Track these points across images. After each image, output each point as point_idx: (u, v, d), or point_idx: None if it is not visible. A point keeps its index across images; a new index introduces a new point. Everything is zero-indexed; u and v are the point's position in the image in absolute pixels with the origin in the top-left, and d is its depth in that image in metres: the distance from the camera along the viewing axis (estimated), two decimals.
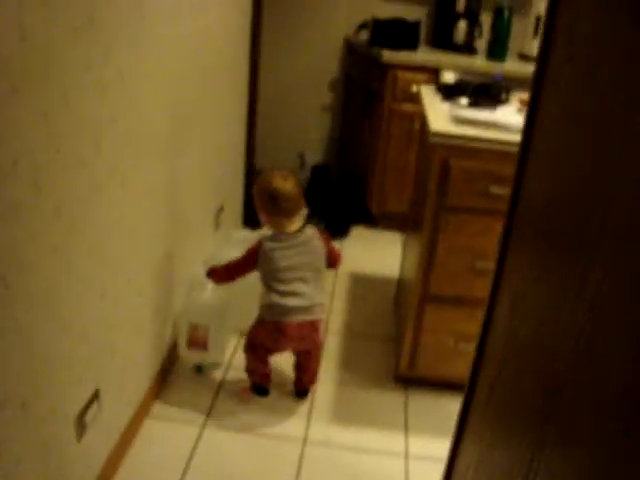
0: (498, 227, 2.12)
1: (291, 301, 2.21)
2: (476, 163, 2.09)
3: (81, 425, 1.75)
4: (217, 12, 2.80)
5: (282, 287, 2.22)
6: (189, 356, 2.51)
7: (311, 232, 2.29)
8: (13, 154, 1.28)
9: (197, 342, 2.44)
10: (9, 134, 1.26)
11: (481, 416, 1.10)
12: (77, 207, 1.59)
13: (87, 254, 1.68)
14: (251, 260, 2.26)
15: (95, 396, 1.82)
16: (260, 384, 2.44)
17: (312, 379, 2.47)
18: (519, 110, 2.32)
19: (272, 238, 2.25)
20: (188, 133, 2.49)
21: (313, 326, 2.30)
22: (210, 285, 2.45)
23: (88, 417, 1.78)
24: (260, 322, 2.31)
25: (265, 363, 2.40)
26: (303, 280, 2.24)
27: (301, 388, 2.46)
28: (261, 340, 2.32)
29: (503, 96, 2.42)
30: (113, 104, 1.75)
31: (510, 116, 2.24)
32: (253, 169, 4.11)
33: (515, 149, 2.02)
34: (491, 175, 2.09)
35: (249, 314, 2.41)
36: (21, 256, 1.35)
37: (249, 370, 2.43)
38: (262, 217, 2.29)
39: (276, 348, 2.35)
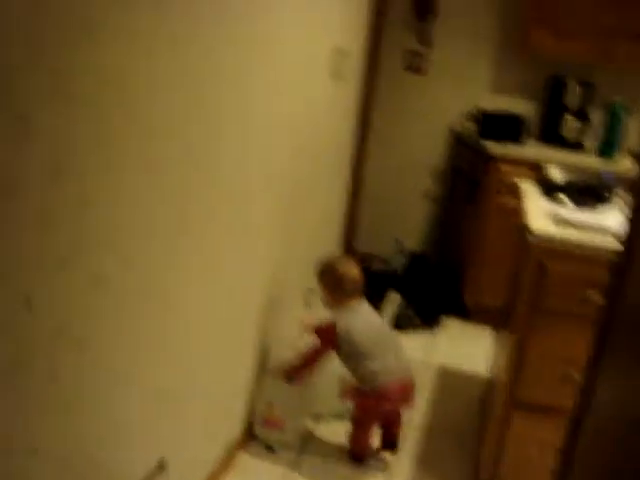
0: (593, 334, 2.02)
1: (386, 364, 2.29)
2: (575, 267, 2.00)
3: None
4: (325, 94, 2.88)
5: (373, 358, 2.28)
6: (263, 434, 2.47)
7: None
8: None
9: (273, 421, 2.42)
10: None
11: None
12: (160, 282, 1.63)
13: (172, 328, 1.71)
14: (330, 345, 2.28)
15: (161, 464, 1.81)
16: (360, 454, 2.43)
17: (400, 430, 2.49)
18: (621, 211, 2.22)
19: (344, 316, 2.31)
20: (288, 212, 2.53)
21: (412, 381, 2.37)
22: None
23: None
24: (363, 394, 2.34)
25: (371, 432, 2.43)
26: (385, 344, 2.35)
27: (391, 438, 2.47)
28: (370, 412, 2.37)
29: (606, 195, 2.32)
30: (211, 177, 1.81)
31: (613, 218, 2.14)
32: (352, 251, 4.13)
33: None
34: (590, 280, 1.98)
35: (325, 397, 2.40)
36: (103, 323, 1.39)
37: (354, 441, 2.42)
38: (329, 300, 2.36)
39: (383, 414, 2.41)
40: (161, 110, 1.48)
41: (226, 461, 2.33)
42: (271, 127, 2.23)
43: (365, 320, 2.36)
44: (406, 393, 2.37)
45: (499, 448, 2.26)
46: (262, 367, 2.57)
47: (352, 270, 2.39)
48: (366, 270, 4.17)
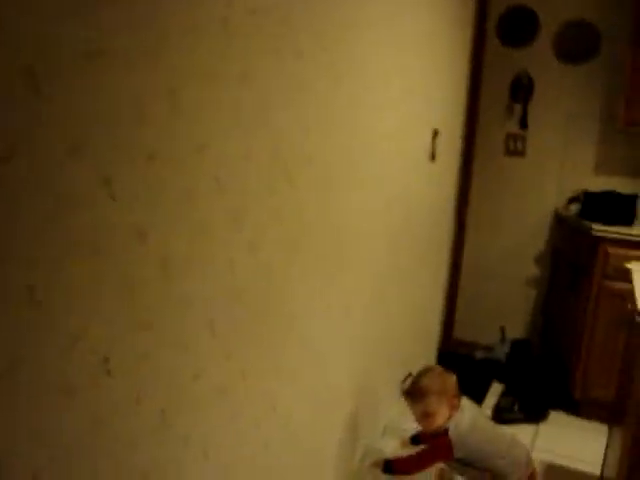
0: None
1: (514, 459, 2.22)
2: None
3: None
4: (423, 178, 2.86)
5: (500, 456, 2.19)
6: None
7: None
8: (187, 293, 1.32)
9: None
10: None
11: None
12: (250, 351, 1.60)
13: (258, 401, 1.66)
14: (445, 455, 2.16)
15: None
16: None
17: None
18: None
19: (455, 426, 2.15)
20: (382, 298, 2.48)
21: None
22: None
23: None
24: None
25: None
26: (504, 437, 2.26)
27: None
28: None
29: None
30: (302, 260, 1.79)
31: None
32: (451, 338, 4.00)
33: None
34: None
35: None
36: (184, 393, 1.36)
37: None
38: (446, 416, 2.16)
39: None
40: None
41: None
42: (368, 218, 2.23)
43: (474, 417, 2.22)
44: None
45: None
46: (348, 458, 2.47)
47: (438, 377, 2.22)
48: (467, 359, 4.04)
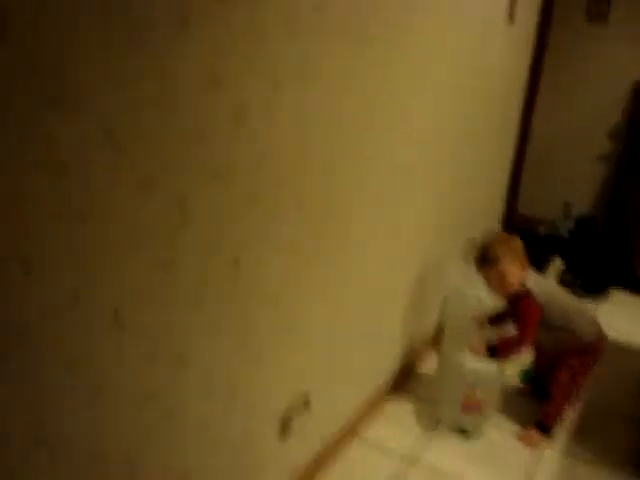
0: None
1: (591, 318, 2.27)
2: None
3: (286, 426, 1.74)
4: (499, 40, 2.71)
5: (580, 313, 2.23)
6: (457, 419, 2.31)
7: None
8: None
9: (472, 405, 2.27)
10: None
11: None
12: (319, 201, 1.60)
13: (324, 258, 1.68)
14: (538, 312, 2.15)
15: (305, 401, 1.81)
16: (555, 424, 2.33)
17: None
18: None
19: (534, 284, 2.16)
20: (446, 171, 2.42)
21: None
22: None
23: (294, 420, 1.77)
24: (584, 351, 2.24)
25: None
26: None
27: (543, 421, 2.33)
28: (589, 369, 2.28)
29: None
30: (384, 135, 1.74)
31: None
32: (515, 213, 3.93)
33: None
34: None
35: None
36: (257, 244, 1.37)
37: (560, 413, 2.31)
38: (520, 276, 2.16)
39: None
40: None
41: (368, 410, 2.30)
42: (435, 87, 2.13)
43: (545, 280, 2.24)
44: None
45: None
46: (415, 323, 2.51)
47: (507, 240, 2.22)
48: (530, 234, 3.98)
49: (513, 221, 3.94)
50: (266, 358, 1.56)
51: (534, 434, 2.30)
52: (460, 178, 2.63)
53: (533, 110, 3.93)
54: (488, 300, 2.56)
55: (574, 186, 4.06)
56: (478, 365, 2.22)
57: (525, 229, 4.02)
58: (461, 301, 2.68)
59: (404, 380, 2.57)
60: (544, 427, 2.30)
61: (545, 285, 2.20)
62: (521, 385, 2.63)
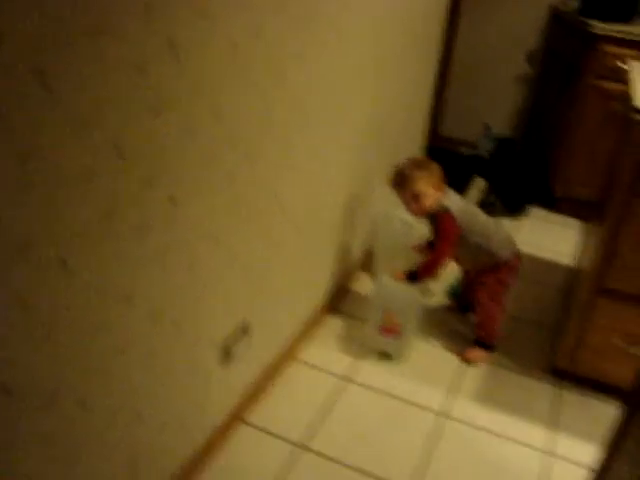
0: None
1: (507, 235, 2.39)
2: None
3: (228, 353, 1.81)
4: None
5: (496, 230, 2.35)
6: (377, 341, 2.41)
7: None
8: (197, 78, 1.31)
9: (391, 329, 2.35)
10: None
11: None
12: (255, 140, 1.62)
13: (258, 187, 1.71)
14: (456, 230, 2.23)
15: (245, 328, 1.87)
16: (494, 337, 2.46)
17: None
18: None
19: (452, 203, 2.24)
20: (372, 86, 2.45)
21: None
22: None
23: (235, 347, 1.84)
24: (500, 269, 2.34)
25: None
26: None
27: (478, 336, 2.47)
28: (505, 285, 2.38)
29: None
30: (302, 40, 1.75)
31: None
32: (437, 134, 4.02)
33: None
34: None
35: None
36: (192, 179, 1.39)
37: (495, 328, 2.43)
38: (435, 196, 2.23)
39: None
40: None
41: (305, 333, 2.39)
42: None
43: (462, 199, 2.33)
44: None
45: (581, 335, 2.23)
46: (346, 247, 2.59)
47: (422, 163, 2.29)
48: (452, 154, 4.10)
49: (435, 142, 4.02)
50: (208, 291, 1.60)
51: (475, 351, 2.44)
52: (384, 102, 2.67)
53: (455, 33, 3.98)
54: (414, 222, 2.67)
55: (495, 108, 4.18)
56: (396, 289, 2.31)
57: (447, 150, 4.13)
58: (388, 224, 2.78)
59: (339, 302, 2.67)
60: (482, 344, 2.45)
61: (463, 204, 2.29)
62: (449, 301, 2.77)
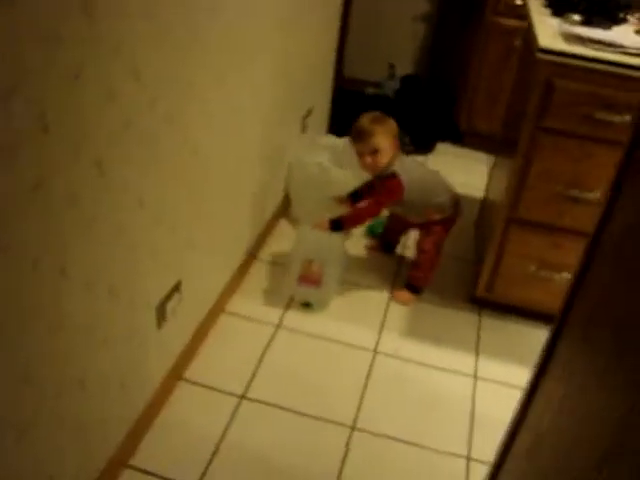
0: (599, 155, 2.04)
1: (447, 187, 2.48)
2: (583, 85, 1.97)
3: (162, 314, 1.81)
4: None
5: (440, 190, 2.43)
6: (297, 292, 2.41)
7: None
8: (115, 39, 1.28)
9: (310, 278, 2.36)
10: None
11: (573, 351, 1.07)
12: (174, 98, 1.59)
13: (179, 145, 1.69)
14: (398, 197, 2.27)
15: (176, 287, 1.87)
16: (425, 284, 2.55)
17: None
18: (637, 31, 2.16)
19: (399, 166, 2.28)
20: (282, 30, 2.43)
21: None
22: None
23: (169, 307, 1.84)
24: (445, 226, 2.45)
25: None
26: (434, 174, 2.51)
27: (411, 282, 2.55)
28: (443, 239, 2.49)
29: (621, 15, 2.24)
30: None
31: (627, 36, 2.08)
32: (342, 77, 4.02)
33: (631, 72, 1.91)
34: (599, 99, 1.96)
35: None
36: (116, 143, 1.36)
37: (431, 274, 2.52)
38: (391, 155, 2.27)
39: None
40: None
41: (232, 286, 2.41)
42: None
43: (411, 164, 2.39)
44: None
45: (496, 263, 2.35)
46: (265, 195, 2.60)
47: (382, 118, 2.32)
48: (358, 95, 4.13)
49: (340, 83, 4.03)
50: (138, 254, 1.59)
51: (406, 294, 2.53)
52: (293, 49, 2.65)
53: None
54: (332, 167, 2.70)
55: (397, 47, 4.21)
56: (319, 238, 2.32)
57: (352, 91, 4.16)
58: (303, 169, 2.81)
59: (261, 251, 2.70)
60: (415, 288, 2.54)
61: (409, 166, 2.33)
62: (369, 240, 2.83)
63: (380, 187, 2.31)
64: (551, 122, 2.04)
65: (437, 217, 2.42)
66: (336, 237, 2.35)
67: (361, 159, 2.30)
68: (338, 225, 2.31)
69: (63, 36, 1.10)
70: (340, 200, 2.55)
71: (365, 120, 2.27)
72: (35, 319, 1.21)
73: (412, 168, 2.37)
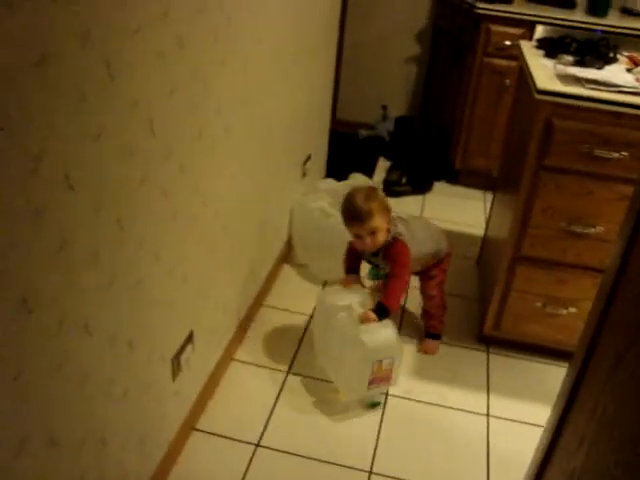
0: (598, 191, 2.08)
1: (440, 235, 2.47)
2: (582, 124, 2.02)
3: (177, 365, 1.81)
4: None
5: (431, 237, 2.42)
6: (368, 394, 2.19)
7: None
8: (132, 96, 1.31)
9: (382, 378, 2.14)
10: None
11: (600, 388, 1.08)
12: (186, 150, 1.62)
13: (190, 197, 1.71)
14: (409, 254, 2.23)
15: (190, 338, 1.88)
16: (443, 327, 2.56)
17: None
18: (628, 69, 2.22)
19: (399, 230, 2.25)
20: (283, 81, 2.48)
21: None
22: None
23: (183, 358, 1.84)
24: (443, 260, 2.44)
25: None
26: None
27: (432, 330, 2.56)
28: (445, 276, 2.49)
29: (611, 54, 2.31)
30: (222, 48, 1.75)
31: (619, 75, 2.14)
32: (335, 119, 4.08)
33: (627, 110, 1.96)
34: (597, 137, 2.01)
35: None
36: (134, 198, 1.38)
37: (444, 316, 2.54)
38: (387, 227, 2.20)
39: None
40: None
41: (239, 331, 2.42)
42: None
43: (406, 221, 2.34)
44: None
45: (502, 301, 2.37)
46: (268, 241, 2.62)
47: (375, 196, 2.22)
48: (352, 138, 4.19)
49: (334, 126, 4.09)
50: (155, 307, 1.60)
51: (432, 342, 2.53)
52: (294, 97, 2.70)
53: (344, 19, 4.04)
54: (333, 211, 2.72)
55: (390, 89, 4.30)
56: (378, 338, 2.11)
57: (346, 133, 4.22)
58: (305, 213, 2.83)
59: (266, 297, 2.71)
60: (437, 336, 2.54)
61: (405, 227, 2.28)
62: (371, 283, 2.83)
63: (391, 256, 2.24)
64: (552, 160, 2.08)
65: (432, 262, 2.42)
66: (390, 329, 2.15)
67: (359, 241, 2.21)
68: (384, 312, 2.16)
69: (87, 94, 1.13)
70: (379, 288, 2.51)
71: (359, 200, 2.15)
72: (60, 375, 1.21)
73: (409, 223, 2.33)
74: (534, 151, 2.09)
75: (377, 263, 2.34)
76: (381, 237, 2.18)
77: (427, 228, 2.45)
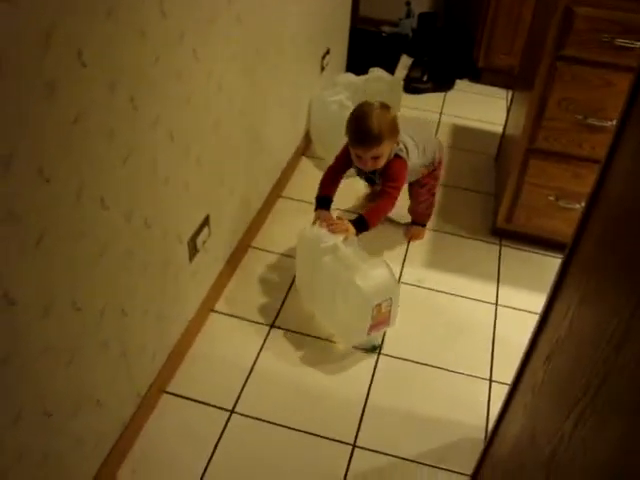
0: (618, 82, 2.05)
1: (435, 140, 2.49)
2: (603, 11, 1.96)
3: (193, 247, 1.88)
4: None
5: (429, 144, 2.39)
6: (368, 339, 2.06)
7: None
8: None
9: (381, 321, 2.01)
10: None
11: (581, 269, 1.12)
12: (200, 33, 1.63)
13: (205, 82, 1.73)
14: (405, 175, 2.20)
15: (206, 221, 1.94)
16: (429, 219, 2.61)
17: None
18: None
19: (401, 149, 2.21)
20: None
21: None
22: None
23: (199, 240, 1.91)
24: (436, 168, 2.42)
25: None
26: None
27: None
28: (438, 180, 2.51)
29: None
30: None
31: None
32: (357, 15, 4.00)
33: None
34: (619, 25, 1.96)
35: None
36: (147, 78, 1.41)
37: (432, 212, 2.58)
38: (389, 151, 2.13)
39: None
40: None
41: (257, 220, 2.48)
42: None
43: (406, 133, 2.26)
44: None
45: (516, 194, 2.39)
46: (284, 138, 2.63)
47: (386, 116, 2.09)
48: (374, 35, 4.11)
49: (356, 23, 4.02)
50: (171, 188, 1.65)
51: (418, 228, 2.57)
52: None
53: None
54: (350, 106, 2.72)
55: None
56: (374, 280, 1.95)
57: (369, 31, 4.14)
58: (324, 107, 2.84)
59: (286, 188, 2.76)
60: (422, 225, 2.58)
61: (408, 144, 2.24)
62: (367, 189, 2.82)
63: (388, 174, 2.18)
64: (570, 50, 2.04)
65: (426, 172, 2.41)
66: (388, 271, 1.99)
67: (360, 160, 2.13)
68: (363, 225, 2.07)
69: None
70: (371, 197, 2.56)
71: (368, 122, 2.03)
72: (80, 245, 1.28)
73: (409, 143, 2.25)
74: (552, 41, 2.04)
75: (373, 179, 2.31)
76: (383, 161, 2.13)
77: (428, 140, 2.42)
